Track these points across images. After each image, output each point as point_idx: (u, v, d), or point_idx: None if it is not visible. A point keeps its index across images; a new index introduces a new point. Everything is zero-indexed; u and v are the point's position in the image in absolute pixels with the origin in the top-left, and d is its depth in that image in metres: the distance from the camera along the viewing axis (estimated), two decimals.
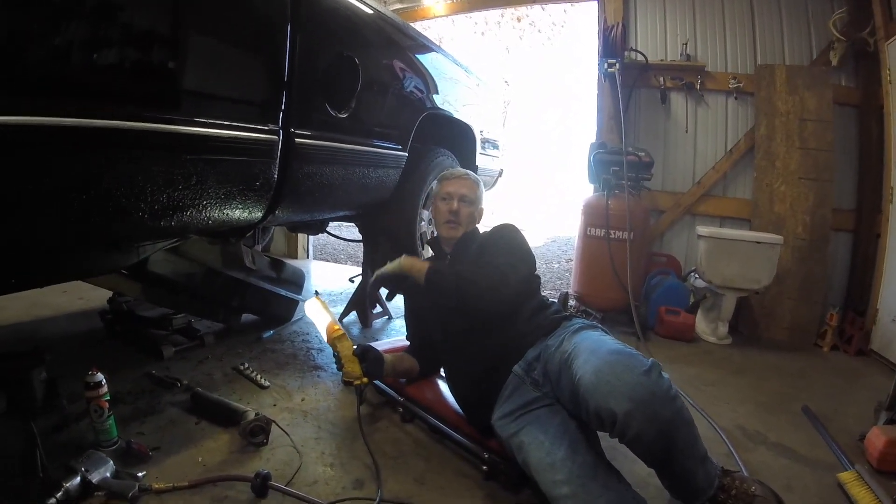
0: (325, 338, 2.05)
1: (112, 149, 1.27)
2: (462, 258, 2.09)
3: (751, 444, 2.20)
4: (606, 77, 4.39)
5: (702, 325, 3.89)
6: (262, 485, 1.58)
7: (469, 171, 2.31)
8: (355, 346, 1.99)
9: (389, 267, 2.00)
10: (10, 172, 1.10)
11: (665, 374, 1.43)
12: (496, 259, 1.92)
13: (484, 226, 2.25)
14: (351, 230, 3.58)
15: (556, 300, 2.36)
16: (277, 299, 3.33)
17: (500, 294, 1.84)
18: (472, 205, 2.20)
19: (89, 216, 1.33)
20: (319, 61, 1.97)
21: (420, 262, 1.98)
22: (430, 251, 2.39)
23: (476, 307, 1.85)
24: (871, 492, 1.77)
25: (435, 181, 2.31)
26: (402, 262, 1.99)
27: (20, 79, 1.06)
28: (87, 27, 1.16)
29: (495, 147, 4.08)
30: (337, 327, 2.01)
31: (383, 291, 3.56)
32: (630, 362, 1.42)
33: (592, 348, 1.55)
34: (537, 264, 2.14)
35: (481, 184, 2.29)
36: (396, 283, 2.07)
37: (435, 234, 2.33)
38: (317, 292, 2.23)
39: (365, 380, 1.94)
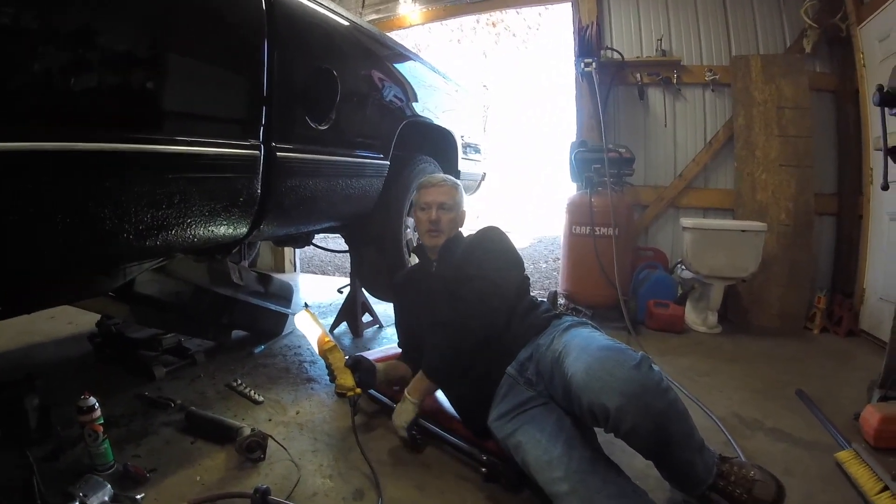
0: (316, 350, 2.05)
1: (94, 171, 1.26)
2: (447, 264, 2.10)
3: (748, 431, 2.22)
4: (584, 76, 4.43)
5: (691, 315, 3.92)
6: (261, 500, 1.57)
7: (447, 177, 2.31)
8: (347, 357, 1.99)
9: (406, 415, 1.90)
10: None
11: (656, 367, 1.45)
12: (483, 267, 1.93)
13: (468, 229, 2.26)
14: (337, 241, 3.58)
15: (545, 300, 2.37)
16: (267, 314, 3.31)
17: (493, 305, 1.86)
18: (452, 210, 2.19)
19: (74, 239, 1.32)
20: (298, 75, 1.97)
21: (415, 380, 1.93)
22: (416, 259, 2.38)
23: (481, 339, 1.85)
24: (869, 469, 1.78)
25: (414, 190, 2.31)
26: (409, 397, 1.90)
27: (0, 104, 1.06)
28: (67, 51, 1.15)
29: (477, 151, 4.09)
30: (328, 339, 2.01)
31: (372, 300, 3.61)
32: (620, 357, 1.43)
33: (583, 345, 1.56)
34: (525, 265, 2.14)
35: (460, 187, 2.28)
36: (418, 415, 1.97)
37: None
38: (306, 305, 2.23)
39: (358, 391, 1.95)
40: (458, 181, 2.31)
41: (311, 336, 2.09)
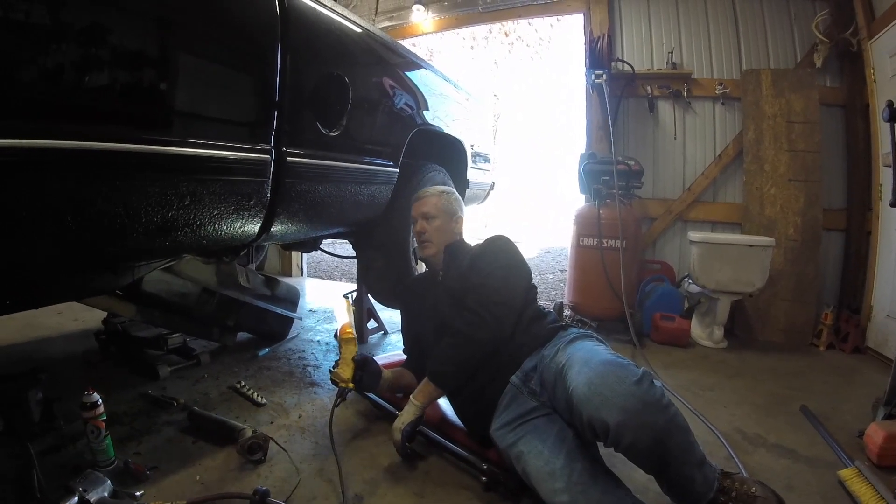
0: (337, 333, 2.05)
1: (106, 170, 1.28)
2: (454, 272, 2.10)
3: (750, 447, 2.21)
4: (594, 88, 4.44)
5: (697, 329, 3.90)
6: (260, 502, 1.58)
7: (432, 187, 2.33)
8: (358, 354, 1.99)
9: (407, 416, 1.87)
10: (4, 195, 1.11)
11: (657, 383, 1.44)
12: (490, 276, 1.92)
13: (477, 238, 2.26)
14: (345, 247, 3.60)
15: (551, 310, 2.36)
16: (272, 317, 3.33)
17: (500, 313, 1.85)
18: (437, 218, 2.20)
19: (85, 238, 1.33)
20: (309, 81, 1.98)
21: (422, 385, 1.91)
22: (424, 266, 2.39)
23: (488, 349, 1.84)
24: (872, 487, 1.77)
25: None
26: (414, 401, 1.88)
27: (13, 102, 1.07)
28: (82, 51, 1.16)
29: (486, 160, 4.09)
30: (350, 330, 2.03)
31: (378, 306, 3.61)
32: (621, 373, 1.43)
33: (585, 359, 1.56)
34: (532, 275, 2.14)
35: (446, 194, 2.29)
36: (419, 421, 1.94)
37: None
38: (346, 296, 2.24)
39: (351, 385, 1.96)
40: (446, 188, 2.33)
41: (339, 320, 2.10)
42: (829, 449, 2.17)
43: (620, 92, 4.57)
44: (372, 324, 3.70)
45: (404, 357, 2.38)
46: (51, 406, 2.07)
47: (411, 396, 1.91)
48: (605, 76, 4.26)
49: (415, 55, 2.98)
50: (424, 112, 2.91)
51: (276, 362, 3.08)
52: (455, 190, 2.40)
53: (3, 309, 1.60)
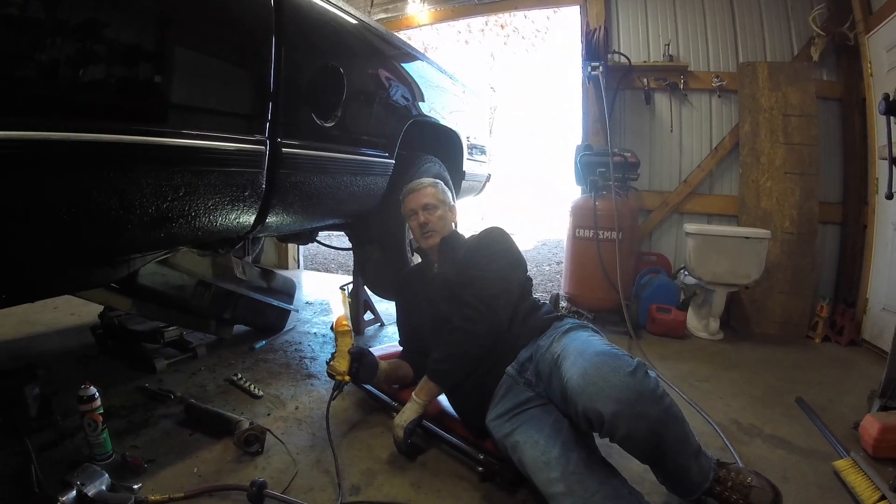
0: (333, 325, 2.05)
1: (101, 162, 1.27)
2: (449, 263, 2.10)
3: (746, 438, 2.21)
4: (590, 80, 4.44)
5: (693, 321, 3.91)
6: (258, 493, 1.58)
7: (424, 179, 2.32)
8: (354, 346, 1.99)
9: (409, 414, 1.88)
10: None
11: (651, 374, 1.44)
12: (486, 268, 1.92)
13: (472, 230, 2.26)
14: (341, 239, 3.59)
15: (547, 301, 2.36)
16: (269, 310, 3.33)
17: (497, 306, 1.86)
18: (438, 208, 2.20)
19: (79, 230, 1.32)
20: (304, 72, 1.97)
21: (422, 382, 1.91)
22: (419, 258, 2.38)
23: (487, 343, 1.84)
24: (867, 478, 1.78)
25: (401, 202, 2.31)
26: (417, 399, 1.89)
27: (7, 95, 1.06)
28: (76, 44, 1.16)
29: (482, 153, 4.08)
30: (346, 323, 2.02)
31: (374, 298, 3.62)
32: (615, 363, 1.43)
33: (580, 350, 1.56)
34: (528, 266, 2.14)
35: (440, 184, 2.29)
36: (420, 419, 1.95)
37: None
38: (342, 288, 2.24)
39: (347, 378, 1.95)
40: (436, 179, 2.33)
41: (334, 313, 2.09)
42: (824, 440, 2.18)
43: (617, 84, 4.56)
44: (368, 315, 3.70)
45: (401, 349, 2.38)
46: (48, 401, 2.07)
47: (413, 394, 1.91)
48: (601, 68, 4.25)
49: (411, 47, 2.97)
50: (420, 103, 2.90)
51: (273, 354, 3.08)
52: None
53: None
